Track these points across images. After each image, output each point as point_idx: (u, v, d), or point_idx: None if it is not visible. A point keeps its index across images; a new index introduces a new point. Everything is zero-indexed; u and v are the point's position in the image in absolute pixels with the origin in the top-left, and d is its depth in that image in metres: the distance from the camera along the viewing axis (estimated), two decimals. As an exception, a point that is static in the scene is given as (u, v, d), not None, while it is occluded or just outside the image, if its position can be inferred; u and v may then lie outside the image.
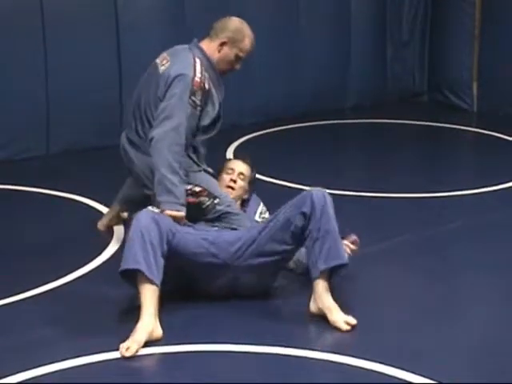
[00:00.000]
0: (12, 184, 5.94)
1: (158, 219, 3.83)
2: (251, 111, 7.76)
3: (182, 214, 4.09)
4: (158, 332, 3.66)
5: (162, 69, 4.35)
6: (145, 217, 3.82)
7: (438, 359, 3.54)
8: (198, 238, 4.01)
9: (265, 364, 3.50)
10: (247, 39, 4.41)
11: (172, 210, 4.05)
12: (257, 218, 4.48)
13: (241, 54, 4.42)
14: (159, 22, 7.19)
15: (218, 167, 4.59)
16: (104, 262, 4.57)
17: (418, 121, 8.19)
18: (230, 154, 6.71)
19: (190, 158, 4.37)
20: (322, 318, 3.86)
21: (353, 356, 3.51)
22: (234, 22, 4.43)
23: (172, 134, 4.13)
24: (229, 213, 4.32)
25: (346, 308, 3.89)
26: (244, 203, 4.56)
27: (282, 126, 7.79)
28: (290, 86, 8.08)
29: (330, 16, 8.36)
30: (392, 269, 4.56)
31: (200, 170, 4.38)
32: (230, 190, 4.49)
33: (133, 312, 3.76)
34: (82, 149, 6.82)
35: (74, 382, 3.34)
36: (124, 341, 3.55)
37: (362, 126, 8.11)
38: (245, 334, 3.72)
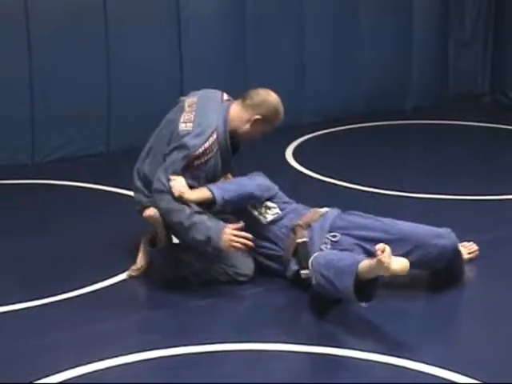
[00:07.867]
0: (73, 181, 6.02)
1: None
2: (311, 111, 7.74)
3: None
4: None
5: (182, 117, 4.27)
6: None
7: (490, 362, 3.49)
8: None
9: (311, 364, 3.51)
10: (279, 119, 4.30)
11: None
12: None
13: (268, 130, 4.32)
14: (220, 15, 7.21)
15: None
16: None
17: (480, 122, 8.09)
18: (289, 153, 6.69)
19: None
20: (366, 320, 3.85)
21: (397, 356, 3.49)
22: (271, 100, 4.26)
23: None
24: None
25: (399, 312, 3.89)
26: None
27: (342, 126, 7.75)
28: (350, 86, 8.04)
29: (391, 15, 8.29)
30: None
31: None
32: None
33: (181, 313, 3.76)
34: (143, 147, 6.85)
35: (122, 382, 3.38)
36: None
37: (423, 127, 8.03)
38: (290, 333, 3.73)
